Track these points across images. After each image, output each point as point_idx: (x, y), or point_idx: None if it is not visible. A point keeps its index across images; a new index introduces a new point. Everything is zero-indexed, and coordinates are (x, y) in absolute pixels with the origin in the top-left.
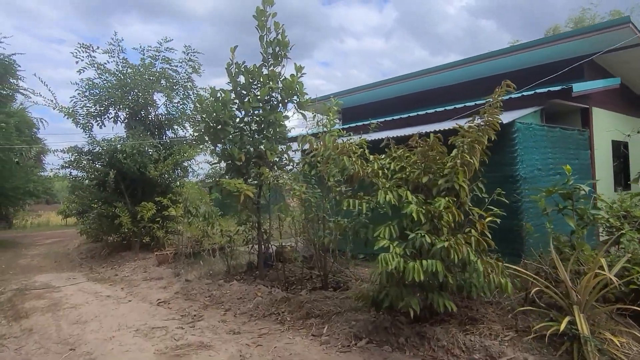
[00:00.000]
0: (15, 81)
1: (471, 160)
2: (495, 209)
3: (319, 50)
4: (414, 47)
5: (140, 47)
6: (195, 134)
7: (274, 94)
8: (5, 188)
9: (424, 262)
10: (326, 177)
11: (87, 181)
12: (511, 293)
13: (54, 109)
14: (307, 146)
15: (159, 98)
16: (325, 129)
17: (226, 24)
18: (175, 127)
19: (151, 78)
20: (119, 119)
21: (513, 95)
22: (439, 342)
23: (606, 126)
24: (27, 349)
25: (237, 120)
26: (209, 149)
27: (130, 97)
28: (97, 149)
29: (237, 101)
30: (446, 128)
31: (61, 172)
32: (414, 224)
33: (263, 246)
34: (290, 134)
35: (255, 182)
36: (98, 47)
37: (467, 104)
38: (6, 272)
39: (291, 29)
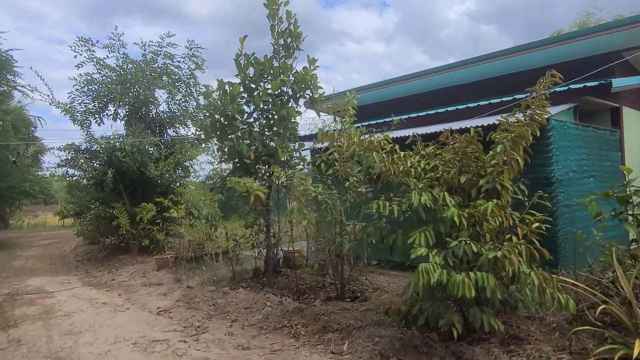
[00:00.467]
0: (12, 77)
1: (517, 158)
2: (537, 214)
3: (320, 53)
4: (415, 52)
5: (142, 42)
6: (201, 130)
7: (284, 88)
8: (0, 187)
9: (471, 274)
10: (345, 177)
11: (84, 181)
12: (574, 311)
13: (50, 104)
14: (324, 144)
15: (161, 95)
16: (342, 126)
17: (229, 26)
18: (177, 125)
19: (153, 74)
20: (118, 116)
21: (545, 91)
22: None
23: (636, 127)
24: None
25: (245, 115)
26: (212, 147)
27: (130, 94)
28: (95, 146)
29: (245, 95)
30: (486, 124)
31: (58, 171)
32: (453, 229)
33: (272, 251)
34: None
35: (264, 182)
36: (97, 41)
37: (504, 99)
38: None
39: None
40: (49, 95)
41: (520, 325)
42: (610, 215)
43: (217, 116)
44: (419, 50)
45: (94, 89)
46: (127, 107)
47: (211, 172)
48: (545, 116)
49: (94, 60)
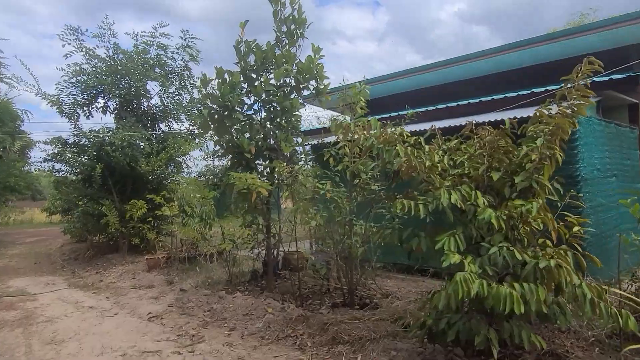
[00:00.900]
0: None
1: (557, 152)
2: (571, 216)
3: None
4: (406, 52)
5: (133, 32)
6: (196, 122)
7: (287, 79)
8: None
9: (517, 285)
10: (356, 173)
11: (72, 176)
12: (635, 329)
13: (36, 94)
14: (333, 137)
15: (153, 87)
16: (350, 118)
17: (220, 23)
18: (170, 119)
19: (145, 65)
20: (108, 109)
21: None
22: None
23: None
24: None
25: (246, 107)
26: (206, 143)
27: (121, 85)
28: (84, 140)
29: (245, 85)
30: (519, 116)
31: (44, 166)
32: (487, 233)
33: (272, 252)
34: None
35: (265, 178)
36: (87, 30)
37: (535, 90)
38: None
39: None
40: (34, 86)
41: (555, 339)
42: None
43: (215, 107)
44: (411, 50)
45: (82, 79)
46: (117, 99)
47: (203, 169)
48: (587, 108)
49: (83, 49)
